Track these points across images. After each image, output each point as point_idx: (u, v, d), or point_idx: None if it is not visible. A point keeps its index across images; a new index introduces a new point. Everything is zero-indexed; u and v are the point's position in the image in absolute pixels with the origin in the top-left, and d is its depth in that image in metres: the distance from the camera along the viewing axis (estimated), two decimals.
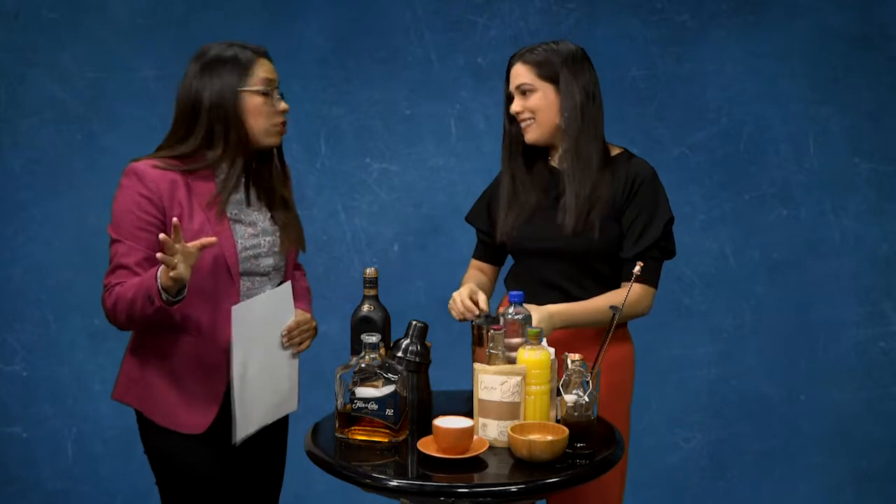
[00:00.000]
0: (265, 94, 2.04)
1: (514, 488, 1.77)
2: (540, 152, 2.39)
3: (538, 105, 2.29)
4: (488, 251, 2.51)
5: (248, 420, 2.06)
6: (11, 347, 3.29)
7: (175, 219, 1.85)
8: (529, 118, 2.31)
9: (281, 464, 2.28)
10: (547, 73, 2.28)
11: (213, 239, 1.93)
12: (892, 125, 3.28)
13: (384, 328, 2.11)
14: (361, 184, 3.34)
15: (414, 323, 2.08)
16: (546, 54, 2.29)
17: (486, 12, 3.29)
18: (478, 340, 2.12)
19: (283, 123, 2.09)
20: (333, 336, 3.15)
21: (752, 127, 3.30)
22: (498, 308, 2.39)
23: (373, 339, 1.94)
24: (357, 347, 2.02)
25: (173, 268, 1.83)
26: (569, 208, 2.27)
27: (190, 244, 1.88)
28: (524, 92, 2.30)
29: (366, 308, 2.12)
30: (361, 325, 2.10)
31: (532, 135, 2.32)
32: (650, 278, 2.29)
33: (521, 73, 2.30)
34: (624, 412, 2.33)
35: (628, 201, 2.29)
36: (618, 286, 2.31)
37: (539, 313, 2.15)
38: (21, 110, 3.22)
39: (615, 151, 2.36)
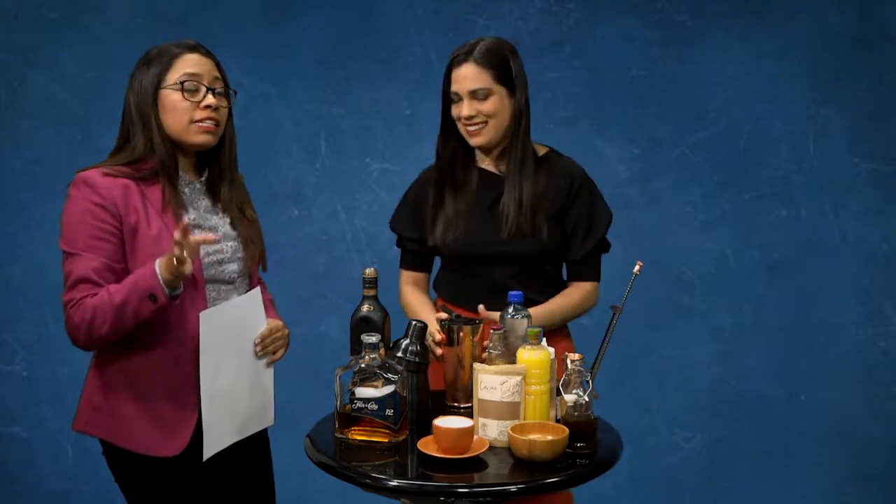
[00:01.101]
0: (186, 90, 1.94)
1: (513, 488, 1.77)
2: (468, 154, 2.35)
3: (495, 109, 2.22)
4: (419, 259, 2.45)
5: (220, 434, 1.94)
6: (11, 347, 3.28)
7: (185, 220, 1.80)
8: (482, 122, 2.23)
9: (269, 481, 2.18)
10: (502, 75, 2.22)
11: (212, 236, 1.84)
12: (892, 125, 3.27)
13: (384, 328, 2.11)
14: (361, 184, 3.34)
15: (413, 323, 2.09)
16: (496, 54, 2.22)
17: (485, 12, 3.29)
18: (448, 341, 2.12)
19: (210, 120, 1.95)
20: (333, 336, 3.16)
21: (752, 127, 3.30)
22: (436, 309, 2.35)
23: (372, 339, 1.94)
24: (357, 347, 2.01)
25: (182, 263, 1.75)
26: (514, 211, 2.24)
27: (191, 238, 1.79)
28: (479, 96, 2.21)
29: (365, 308, 2.12)
30: (361, 325, 2.09)
31: (483, 138, 2.25)
32: (595, 274, 2.33)
33: (477, 77, 2.20)
34: None
35: (569, 202, 2.29)
36: (563, 286, 2.33)
37: None
38: (21, 110, 3.22)
39: (542, 151, 2.34)
